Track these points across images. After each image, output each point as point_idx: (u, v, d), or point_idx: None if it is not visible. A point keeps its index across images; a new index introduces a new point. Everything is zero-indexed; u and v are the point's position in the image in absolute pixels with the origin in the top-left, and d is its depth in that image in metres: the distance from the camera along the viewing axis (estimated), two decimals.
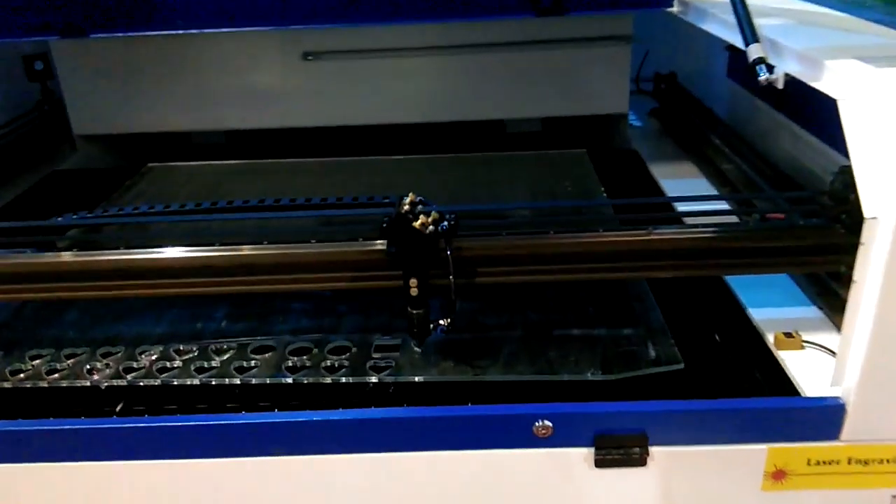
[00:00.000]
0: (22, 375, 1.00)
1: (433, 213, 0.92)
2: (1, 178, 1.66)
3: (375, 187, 1.55)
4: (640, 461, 0.86)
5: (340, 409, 0.90)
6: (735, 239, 0.99)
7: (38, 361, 1.02)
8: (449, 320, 0.95)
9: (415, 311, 0.95)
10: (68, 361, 1.02)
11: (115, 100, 1.76)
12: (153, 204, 1.44)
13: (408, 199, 0.92)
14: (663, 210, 1.21)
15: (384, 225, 0.92)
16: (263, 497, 0.92)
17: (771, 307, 1.09)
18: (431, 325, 0.96)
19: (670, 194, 1.47)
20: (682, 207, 1.21)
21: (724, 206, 1.33)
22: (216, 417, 0.89)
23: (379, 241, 0.94)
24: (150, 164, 1.71)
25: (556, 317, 1.11)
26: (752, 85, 1.46)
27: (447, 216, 0.94)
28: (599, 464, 0.86)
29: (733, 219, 1.08)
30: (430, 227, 0.90)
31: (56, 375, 1.00)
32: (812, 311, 1.08)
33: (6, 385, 0.98)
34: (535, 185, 1.55)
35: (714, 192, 1.50)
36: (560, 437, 0.86)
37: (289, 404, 0.94)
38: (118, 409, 0.93)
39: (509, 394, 0.94)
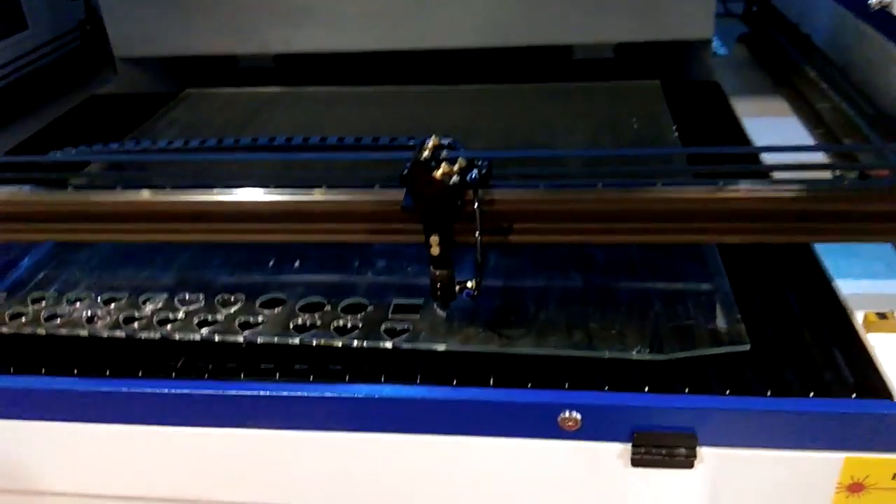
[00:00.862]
0: (23, 320, 0.94)
1: (460, 159, 0.78)
2: (39, 100, 1.61)
3: (420, 120, 1.42)
4: (686, 464, 0.73)
5: (342, 384, 0.80)
6: (824, 200, 0.82)
7: (39, 305, 0.96)
8: (476, 283, 0.83)
9: (437, 272, 0.83)
10: (70, 307, 0.95)
11: (156, 20, 1.65)
12: (184, 134, 1.38)
13: (430, 143, 0.78)
14: (742, 160, 1.03)
15: (404, 172, 0.79)
16: (258, 471, 0.84)
17: (863, 279, 0.92)
18: (457, 288, 0.84)
19: (754, 135, 1.29)
20: (767, 157, 1.04)
21: (817, 156, 1.15)
22: (210, 385, 0.81)
23: (397, 191, 0.82)
24: (189, 90, 1.62)
25: (602, 279, 0.97)
26: (861, 9, 1.24)
27: (478, 163, 0.81)
28: (637, 463, 0.74)
29: (826, 174, 0.91)
30: (455, 178, 0.77)
31: (57, 321, 0.93)
32: None
33: (4, 330, 0.92)
34: (597, 121, 1.38)
35: (806, 134, 1.30)
36: (590, 431, 0.74)
37: (294, 368, 0.84)
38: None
39: (541, 369, 0.82)
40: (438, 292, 0.84)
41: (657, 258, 0.99)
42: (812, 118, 1.31)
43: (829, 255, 0.98)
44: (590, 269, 0.99)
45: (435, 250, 0.80)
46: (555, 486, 0.79)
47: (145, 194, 0.88)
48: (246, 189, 0.87)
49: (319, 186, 0.87)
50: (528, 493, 0.80)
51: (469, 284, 0.84)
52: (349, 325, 0.90)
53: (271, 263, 1.03)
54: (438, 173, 0.76)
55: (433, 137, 0.79)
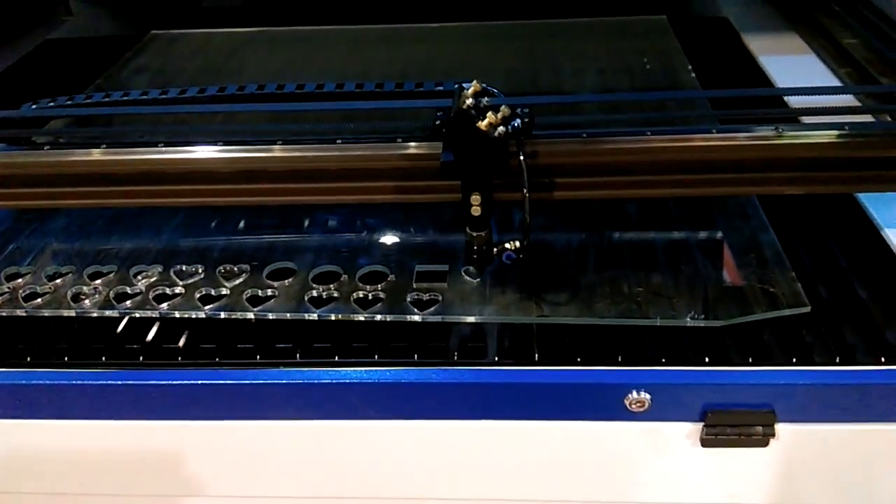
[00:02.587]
0: None
1: (503, 107, 0.68)
2: None
3: (411, 63, 1.31)
4: (762, 442, 0.67)
5: (382, 369, 0.71)
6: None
7: (16, 282, 0.85)
8: (518, 244, 0.75)
9: (475, 234, 0.74)
10: (51, 284, 0.84)
11: None
12: (155, 82, 1.24)
13: (470, 89, 0.68)
14: (769, 104, 0.96)
15: (437, 123, 0.69)
16: (286, 464, 0.76)
17: None
18: (495, 250, 0.76)
19: (774, 76, 1.21)
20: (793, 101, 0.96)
21: (845, 98, 1.07)
22: (227, 375, 0.71)
23: (428, 144, 0.73)
24: (154, 32, 1.47)
25: (639, 234, 0.89)
26: None
27: (519, 111, 0.71)
28: (707, 443, 0.68)
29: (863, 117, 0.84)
30: (500, 129, 0.67)
31: (38, 301, 0.82)
32: None
33: None
34: (605, 61, 1.28)
35: (829, 73, 1.22)
36: (658, 412, 0.67)
37: (314, 346, 0.76)
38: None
39: (586, 340, 0.75)
40: (475, 255, 0.76)
41: (699, 214, 0.92)
42: (835, 56, 1.24)
43: (875, 202, 0.92)
44: (623, 222, 0.91)
45: (476, 210, 0.70)
46: (612, 469, 0.73)
47: (135, 152, 0.76)
48: (249, 145, 0.76)
49: (334, 141, 0.77)
50: (583, 477, 0.74)
51: (508, 246, 0.75)
52: (370, 297, 0.81)
53: (269, 226, 0.93)
54: (483, 124, 0.66)
55: (474, 83, 0.69)
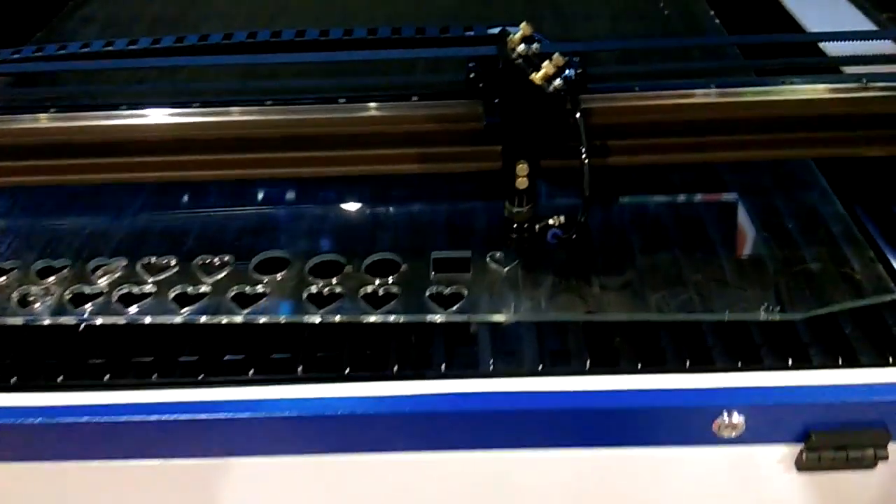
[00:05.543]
0: None
1: (556, 56, 0.54)
2: None
3: (398, 12, 1.15)
4: (870, 464, 0.56)
5: (408, 395, 0.58)
6: None
7: None
8: (563, 220, 0.62)
9: (517, 210, 0.61)
10: None
11: None
12: (106, 37, 1.07)
13: (518, 34, 0.54)
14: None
15: (471, 76, 0.55)
16: None
17: None
18: (537, 228, 0.63)
19: (805, 23, 1.09)
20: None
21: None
22: (212, 406, 0.57)
23: (459, 102, 0.59)
24: None
25: (685, 207, 0.77)
26: None
27: (570, 60, 0.57)
28: (805, 467, 0.56)
29: None
30: (557, 82, 0.53)
31: None
32: None
33: None
34: (617, 6, 1.15)
35: (866, 19, 1.11)
36: (751, 435, 0.55)
37: (317, 356, 0.62)
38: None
39: (638, 338, 0.63)
40: (514, 234, 0.63)
41: (751, 185, 0.79)
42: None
43: None
44: (665, 193, 0.79)
45: (523, 182, 0.57)
46: (688, 500, 0.61)
47: (93, 117, 0.62)
48: (236, 107, 0.61)
49: (336, 100, 0.62)
50: None
51: (552, 222, 0.62)
52: (381, 293, 0.67)
53: (250, 205, 0.78)
54: (539, 76, 0.52)
55: (523, 26, 0.55)
